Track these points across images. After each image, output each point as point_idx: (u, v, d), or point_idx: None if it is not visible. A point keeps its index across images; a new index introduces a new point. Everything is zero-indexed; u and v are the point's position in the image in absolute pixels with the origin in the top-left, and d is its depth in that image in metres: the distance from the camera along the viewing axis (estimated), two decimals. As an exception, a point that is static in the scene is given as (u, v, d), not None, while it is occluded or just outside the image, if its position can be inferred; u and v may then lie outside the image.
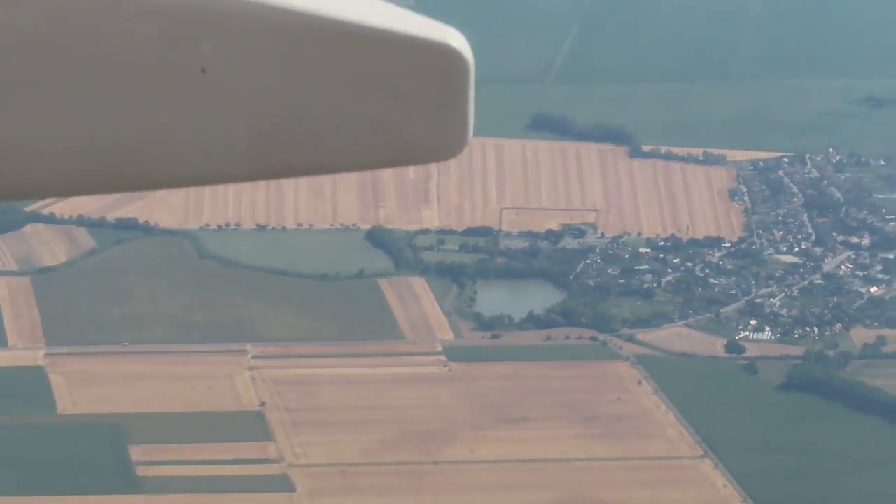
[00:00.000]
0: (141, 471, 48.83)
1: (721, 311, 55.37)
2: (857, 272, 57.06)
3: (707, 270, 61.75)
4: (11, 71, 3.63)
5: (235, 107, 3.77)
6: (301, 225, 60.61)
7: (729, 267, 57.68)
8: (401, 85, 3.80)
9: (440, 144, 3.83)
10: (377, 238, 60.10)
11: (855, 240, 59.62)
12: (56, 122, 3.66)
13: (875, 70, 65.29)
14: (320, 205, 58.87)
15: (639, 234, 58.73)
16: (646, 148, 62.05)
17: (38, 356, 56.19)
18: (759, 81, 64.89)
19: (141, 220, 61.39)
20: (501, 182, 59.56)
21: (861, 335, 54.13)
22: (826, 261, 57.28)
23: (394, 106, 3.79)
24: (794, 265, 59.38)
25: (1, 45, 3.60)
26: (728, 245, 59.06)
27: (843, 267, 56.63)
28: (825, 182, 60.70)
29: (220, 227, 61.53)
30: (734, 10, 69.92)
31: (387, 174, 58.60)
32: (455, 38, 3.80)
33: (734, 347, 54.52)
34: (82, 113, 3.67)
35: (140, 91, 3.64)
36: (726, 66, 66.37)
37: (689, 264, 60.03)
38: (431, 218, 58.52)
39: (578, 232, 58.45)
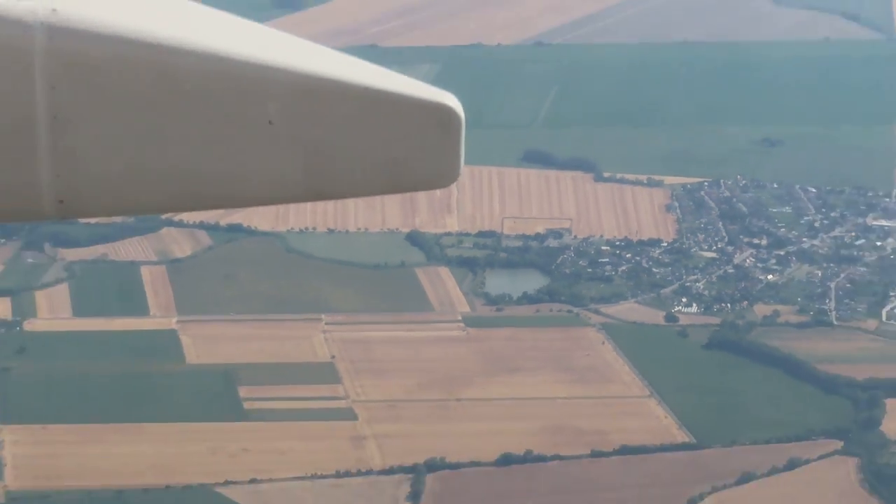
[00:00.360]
0: (247, 405, 48.99)
1: (661, 291, 55.78)
2: (758, 264, 57.06)
3: (650, 263, 61.54)
4: (142, 122, 3.81)
5: (292, 149, 4.01)
6: (359, 229, 61.40)
7: (666, 260, 57.48)
8: (412, 134, 4.00)
9: (440, 177, 4.07)
10: (414, 238, 60.89)
11: (756, 241, 59.74)
12: (170, 161, 3.91)
13: (768, 118, 65.27)
14: (373, 214, 61.26)
15: (601, 236, 58.78)
16: (606, 175, 61.80)
17: (171, 322, 56.65)
18: (688, 126, 64.79)
19: (244, 225, 61.80)
20: (503, 198, 59.72)
21: (761, 309, 54.16)
22: (735, 256, 57.31)
23: (406, 149, 4.02)
24: (713, 259, 58.27)
25: (133, 101, 3.78)
26: (665, 245, 58.48)
27: (747, 260, 56.85)
28: (734, 199, 60.65)
29: (301, 230, 62.06)
30: (668, 70, 69.71)
31: (421, 193, 58.89)
32: (451, 100, 3.96)
33: (671, 318, 54.79)
34: (188, 153, 3.93)
35: (226, 136, 3.92)
36: (663, 114, 66.57)
37: (638, 258, 58.43)
38: (452, 224, 58.61)
39: (558, 234, 57.99)
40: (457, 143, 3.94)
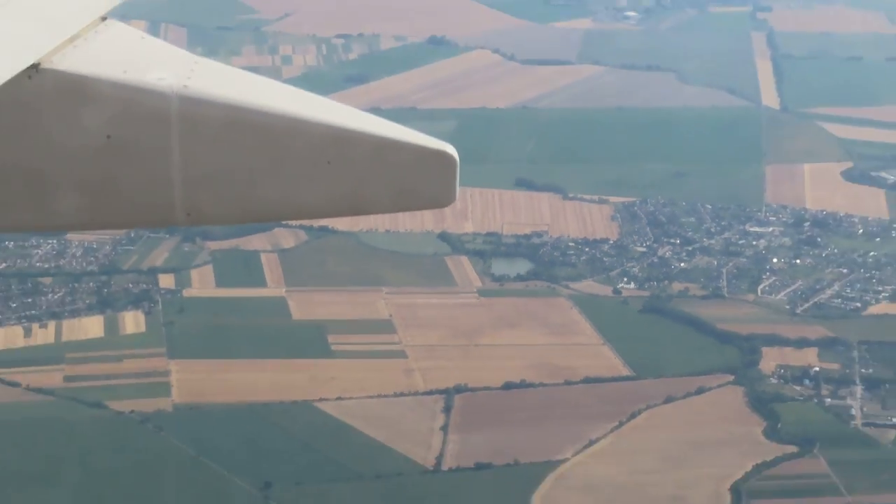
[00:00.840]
0: (334, 347, 50.94)
1: (609, 273, 55.70)
2: (674, 256, 57.00)
3: (601, 254, 59.90)
4: (246, 163, 3.86)
5: (340, 181, 4.00)
6: (406, 230, 60.51)
7: (612, 253, 56.28)
8: (423, 171, 3.94)
9: (440, 201, 3.98)
10: (443, 237, 60.27)
11: (672, 241, 59.72)
12: (264, 189, 3.93)
13: (678, 159, 64.55)
14: (415, 220, 59.74)
15: (568, 236, 58.77)
16: (570, 195, 61.62)
17: (282, 291, 56.59)
18: (624, 163, 64.22)
19: (330, 227, 59.93)
20: (502, 210, 59.55)
21: (676, 286, 54.36)
22: (658, 251, 57.14)
23: (418, 181, 3.98)
24: (644, 252, 60.40)
25: (240, 149, 3.76)
26: (611, 242, 59.36)
27: (667, 253, 56.86)
28: (657, 213, 60.55)
29: (367, 230, 60.24)
30: (610, 125, 68.88)
31: (450, 208, 59.63)
32: (450, 149, 3.91)
33: (616, 292, 54.37)
34: (277, 184, 3.91)
35: (302, 172, 3.92)
36: (608, 155, 65.88)
37: (593, 251, 59.37)
38: (469, 227, 57.01)
39: (539, 235, 60.28)
40: (453, 177, 3.94)
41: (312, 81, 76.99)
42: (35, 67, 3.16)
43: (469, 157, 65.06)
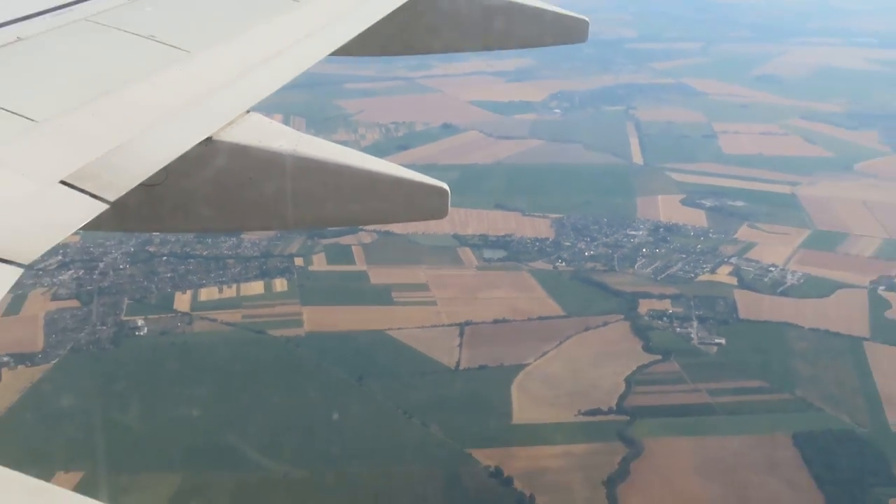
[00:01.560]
0: (395, 299, 49.95)
1: (550, 257, 53.87)
2: (586, 248, 54.05)
3: (545, 246, 56.27)
4: (321, 192, 3.61)
5: (370, 206, 3.76)
6: (434, 233, 56.65)
7: (551, 245, 56.07)
8: (427, 198, 3.73)
9: (438, 215, 3.81)
10: (455, 236, 56.84)
11: (585, 238, 57.71)
12: (331, 206, 3.65)
13: (587, 192, 64.29)
14: (438, 226, 54.46)
15: (524, 236, 56.61)
16: (526, 213, 58.55)
17: (364, 267, 53.19)
18: (556, 195, 66.19)
19: (391, 231, 57.20)
20: (488, 221, 57.36)
21: (588, 265, 53.23)
22: (577, 245, 56.07)
23: (425, 203, 3.76)
24: (569, 245, 56.60)
25: (317, 187, 3.56)
26: (550, 240, 56.39)
27: (581, 246, 55.98)
28: (576, 223, 58.97)
29: (410, 233, 57.22)
30: (550, 171, 68.04)
31: (459, 221, 59.72)
32: (443, 184, 3.78)
33: (555, 268, 52.34)
34: (337, 204, 3.68)
35: (350, 196, 3.65)
36: (548, 190, 64.73)
37: (540, 245, 55.82)
38: (469, 231, 55.84)
39: (510, 235, 57.19)
40: (446, 202, 3.82)
41: (376, 148, 76.53)
42: (209, 139, 3.07)
43: (467, 190, 63.32)
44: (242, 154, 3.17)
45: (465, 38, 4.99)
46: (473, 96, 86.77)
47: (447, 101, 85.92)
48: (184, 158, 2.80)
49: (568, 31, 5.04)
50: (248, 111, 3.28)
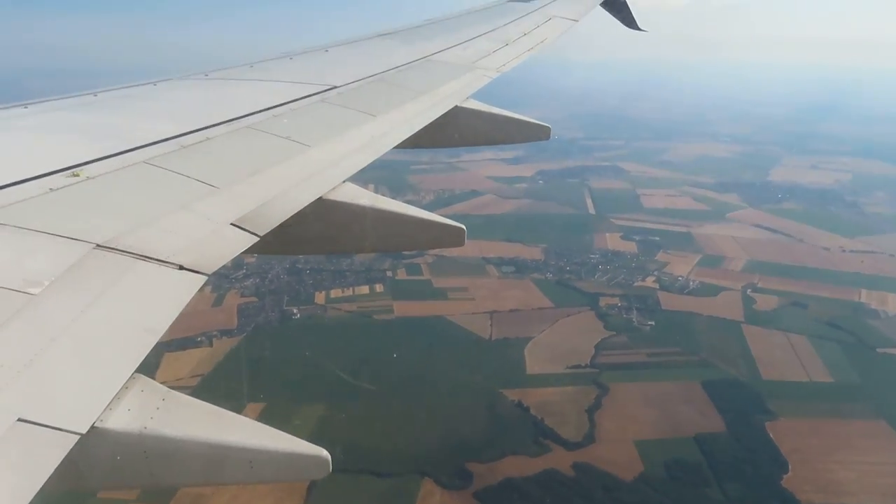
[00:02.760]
0: (449, 296, 47.91)
1: (543, 272, 52.48)
2: (564, 267, 53.53)
3: (540, 265, 53.58)
4: (378, 232, 3.14)
5: (403, 241, 3.35)
6: (460, 255, 54.36)
7: (542, 264, 53.78)
8: (449, 233, 3.29)
9: (457, 243, 3.33)
10: (484, 259, 54.35)
11: (563, 261, 54.06)
12: (380, 238, 3.21)
13: (561, 231, 61.77)
14: (473, 252, 55.11)
15: (529, 258, 54.77)
16: (527, 244, 58.03)
17: (429, 277, 51.79)
18: (544, 232, 60.68)
19: (446, 254, 56.17)
20: (502, 248, 56.69)
21: (566, 276, 52.36)
22: (559, 264, 54.66)
23: (446, 237, 3.30)
24: (553, 265, 53.74)
25: (373, 229, 3.12)
26: (542, 260, 54.06)
27: (562, 264, 53.82)
28: (557, 251, 56.38)
29: (457, 256, 54.64)
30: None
31: (478, 253, 58.02)
32: (460, 225, 3.38)
33: (545, 278, 50.95)
34: (391, 238, 3.24)
35: (394, 234, 3.21)
36: (540, 229, 61.47)
37: (536, 263, 53.45)
38: (491, 254, 55.07)
39: (519, 257, 54.90)
40: (463, 236, 3.37)
41: (433, 204, 75.50)
42: (320, 198, 2.87)
43: (489, 229, 62.54)
44: (340, 208, 2.96)
45: (471, 139, 4.63)
46: (489, 173, 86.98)
47: (472, 177, 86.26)
48: (305, 210, 2.70)
49: (536, 133, 4.80)
50: (344, 181, 3.09)
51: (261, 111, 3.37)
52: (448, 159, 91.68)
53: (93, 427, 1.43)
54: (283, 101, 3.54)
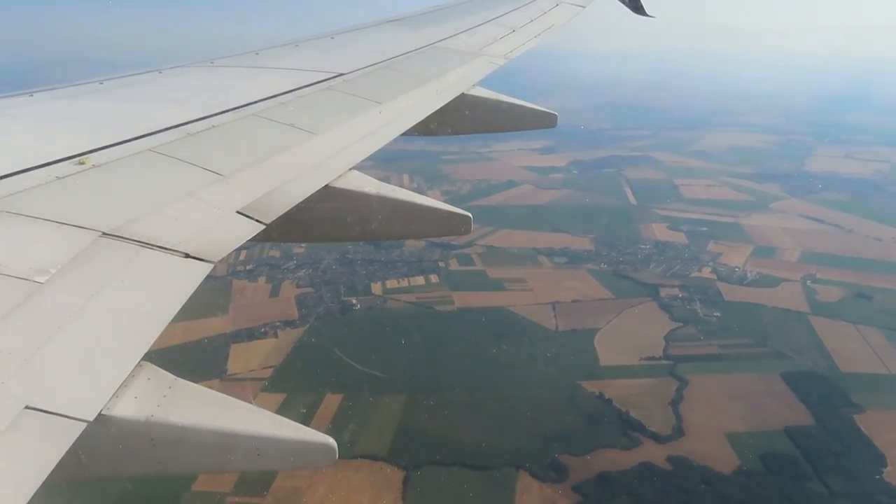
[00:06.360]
0: (507, 288, 47.89)
1: (598, 263, 52.00)
2: (617, 256, 53.10)
3: (593, 256, 53.26)
4: (386, 215, 3.14)
5: (416, 228, 3.31)
6: (519, 246, 55.11)
7: (594, 254, 53.28)
8: (457, 221, 3.32)
9: (464, 230, 3.34)
10: (535, 249, 54.55)
11: (613, 252, 54.06)
12: (392, 225, 3.20)
13: (607, 221, 60.80)
14: (523, 242, 55.21)
15: (582, 249, 54.06)
16: (572, 233, 57.91)
17: (481, 267, 51.51)
18: (587, 223, 59.48)
19: (496, 245, 54.70)
20: (552, 239, 56.85)
21: (621, 266, 52.06)
22: (611, 254, 54.83)
23: (452, 224, 3.32)
24: (605, 254, 53.34)
25: (385, 212, 3.14)
26: (593, 251, 53.56)
27: (613, 254, 53.41)
28: (606, 241, 56.07)
29: (512, 247, 57.67)
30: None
31: (539, 244, 58.74)
32: (466, 213, 3.36)
33: (600, 269, 50.99)
34: (398, 226, 3.26)
35: (401, 218, 3.21)
36: (582, 218, 60.69)
37: (589, 255, 52.82)
38: (541, 245, 55.37)
39: (568, 248, 54.55)
40: (469, 223, 3.38)
41: (470, 195, 75.21)
42: (326, 186, 2.88)
43: (532, 220, 61.45)
44: (346, 196, 2.98)
45: (478, 126, 4.55)
46: (522, 163, 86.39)
47: (505, 167, 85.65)
48: (311, 197, 2.75)
49: (544, 120, 4.66)
50: (350, 169, 3.09)
51: (267, 99, 3.42)
52: (478, 149, 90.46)
53: (100, 414, 1.44)
54: (289, 89, 3.58)
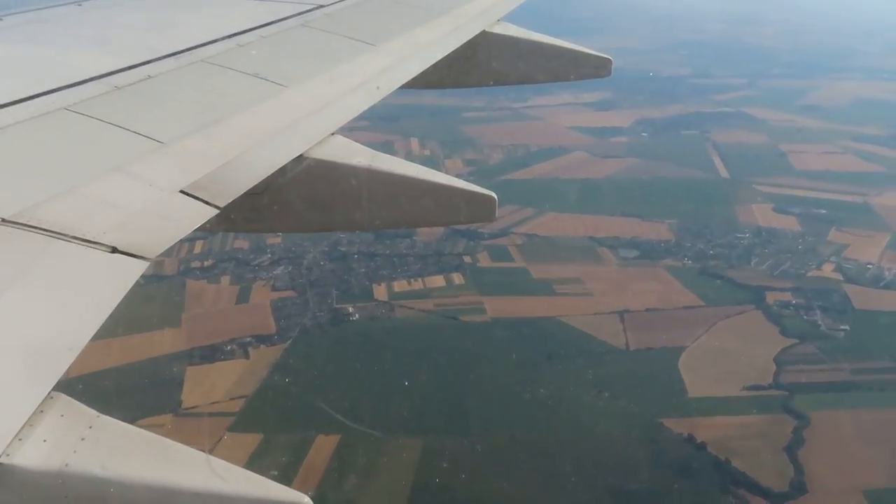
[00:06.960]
0: (556, 291, 48.01)
1: (679, 258, 51.37)
2: (705, 249, 52.57)
3: (670, 247, 52.99)
4: (383, 195, 3.41)
5: (434, 213, 3.49)
6: (570, 235, 54.89)
7: (672, 248, 52.94)
8: (480, 204, 3.49)
9: (487, 218, 3.57)
10: (592, 239, 54.66)
11: (703, 241, 54.49)
12: (395, 211, 3.45)
13: (691, 198, 63.02)
14: (576, 229, 55.14)
15: (655, 238, 52.98)
16: (646, 219, 59.20)
17: (523, 265, 51.44)
18: (664, 200, 59.79)
19: (536, 234, 55.13)
20: (612, 224, 56.47)
21: (711, 262, 51.75)
22: (698, 247, 54.62)
23: (476, 210, 3.45)
24: (690, 247, 53.23)
25: (386, 189, 3.39)
26: (671, 241, 53.62)
27: (700, 246, 52.29)
28: (689, 225, 56.64)
29: (556, 236, 57.30)
30: None
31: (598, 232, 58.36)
32: (490, 193, 3.54)
33: (684, 266, 51.41)
34: (402, 210, 3.48)
35: (409, 199, 3.44)
36: (653, 197, 61.02)
37: (659, 247, 52.51)
38: (601, 234, 54.99)
39: (638, 238, 54.24)
40: (494, 207, 3.55)
41: (502, 166, 75.86)
42: (301, 156, 3.03)
43: (590, 199, 60.67)
44: (327, 168, 3.09)
45: (505, 76, 4.72)
46: (571, 123, 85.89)
47: (550, 128, 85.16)
48: (280, 172, 2.83)
49: (594, 68, 4.86)
50: (332, 133, 3.20)
51: (221, 39, 3.52)
52: (511, 104, 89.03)
53: None
54: (251, 27, 3.69)
